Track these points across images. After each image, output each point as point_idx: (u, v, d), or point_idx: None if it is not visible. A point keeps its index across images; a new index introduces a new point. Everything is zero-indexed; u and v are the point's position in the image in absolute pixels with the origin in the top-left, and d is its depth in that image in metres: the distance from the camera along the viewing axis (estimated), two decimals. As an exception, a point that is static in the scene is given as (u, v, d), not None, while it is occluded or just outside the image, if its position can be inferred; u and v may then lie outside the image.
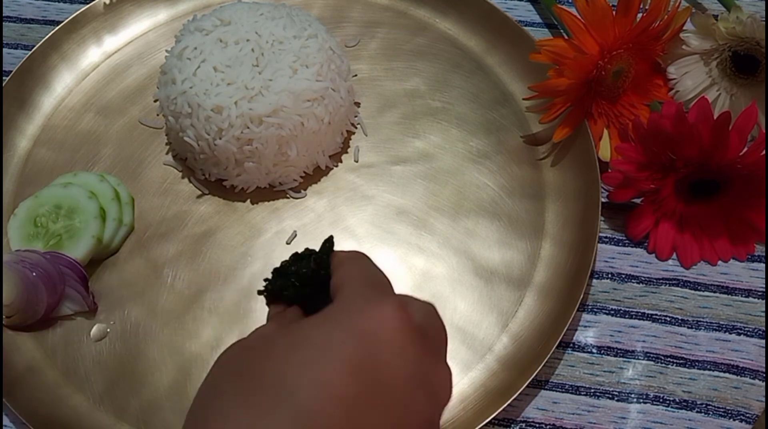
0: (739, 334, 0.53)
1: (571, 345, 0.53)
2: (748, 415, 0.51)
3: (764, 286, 0.55)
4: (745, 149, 0.51)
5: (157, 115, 0.64)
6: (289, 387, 0.30)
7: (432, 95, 0.64)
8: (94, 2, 0.68)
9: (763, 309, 0.54)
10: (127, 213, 0.59)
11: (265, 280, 0.43)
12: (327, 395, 0.30)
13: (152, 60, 0.67)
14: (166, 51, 0.61)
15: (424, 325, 0.34)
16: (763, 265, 0.56)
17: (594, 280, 0.56)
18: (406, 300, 0.34)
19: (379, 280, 0.37)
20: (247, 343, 0.35)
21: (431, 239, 0.58)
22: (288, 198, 0.60)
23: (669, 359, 0.53)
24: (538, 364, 0.50)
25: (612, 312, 0.55)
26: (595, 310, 0.55)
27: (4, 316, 0.53)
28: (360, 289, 0.35)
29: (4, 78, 0.66)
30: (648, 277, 0.56)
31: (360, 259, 0.39)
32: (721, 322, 0.54)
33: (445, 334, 0.36)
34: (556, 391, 0.52)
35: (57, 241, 0.56)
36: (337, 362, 0.31)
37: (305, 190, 0.60)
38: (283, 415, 0.30)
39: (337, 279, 0.37)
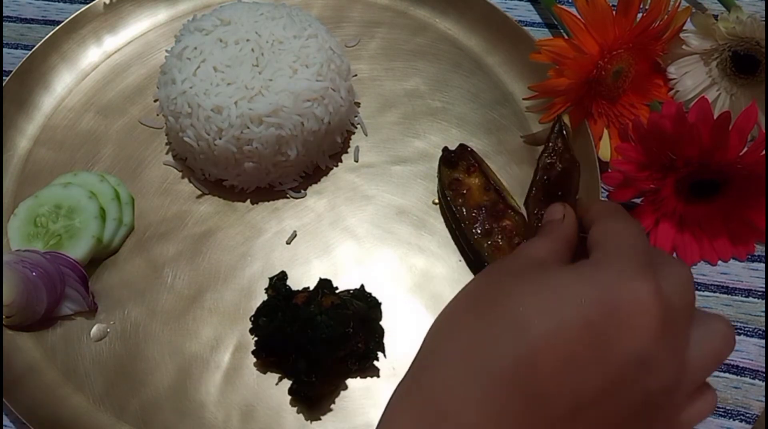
0: (739, 334, 0.53)
1: (571, 345, 0.53)
2: (748, 415, 0.51)
3: (764, 286, 0.55)
4: (745, 149, 0.51)
5: (157, 115, 0.64)
6: (520, 322, 0.33)
7: (432, 95, 0.64)
8: (94, 2, 0.68)
9: (763, 309, 0.54)
10: (127, 213, 0.59)
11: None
12: (552, 340, 0.33)
13: (152, 60, 0.67)
14: (166, 51, 0.61)
15: (673, 299, 0.35)
16: (763, 265, 0.56)
17: (594, 280, 0.56)
18: (661, 274, 0.35)
19: (638, 247, 0.37)
20: (507, 268, 0.38)
21: (431, 239, 0.58)
22: (288, 198, 0.60)
23: (669, 359, 0.53)
24: (538, 364, 0.50)
25: (612, 312, 0.55)
26: (595, 310, 0.55)
27: (4, 316, 0.53)
28: (618, 254, 0.36)
29: (4, 78, 0.66)
30: (648, 277, 0.56)
31: (622, 216, 0.40)
32: (721, 322, 0.54)
33: (692, 305, 0.37)
34: (556, 391, 0.52)
35: (57, 241, 0.56)
36: (573, 316, 0.33)
37: (305, 190, 0.60)
38: (507, 344, 0.33)
39: (598, 233, 0.38)
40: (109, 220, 0.57)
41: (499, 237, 0.54)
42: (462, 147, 0.58)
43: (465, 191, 0.56)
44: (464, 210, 0.55)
